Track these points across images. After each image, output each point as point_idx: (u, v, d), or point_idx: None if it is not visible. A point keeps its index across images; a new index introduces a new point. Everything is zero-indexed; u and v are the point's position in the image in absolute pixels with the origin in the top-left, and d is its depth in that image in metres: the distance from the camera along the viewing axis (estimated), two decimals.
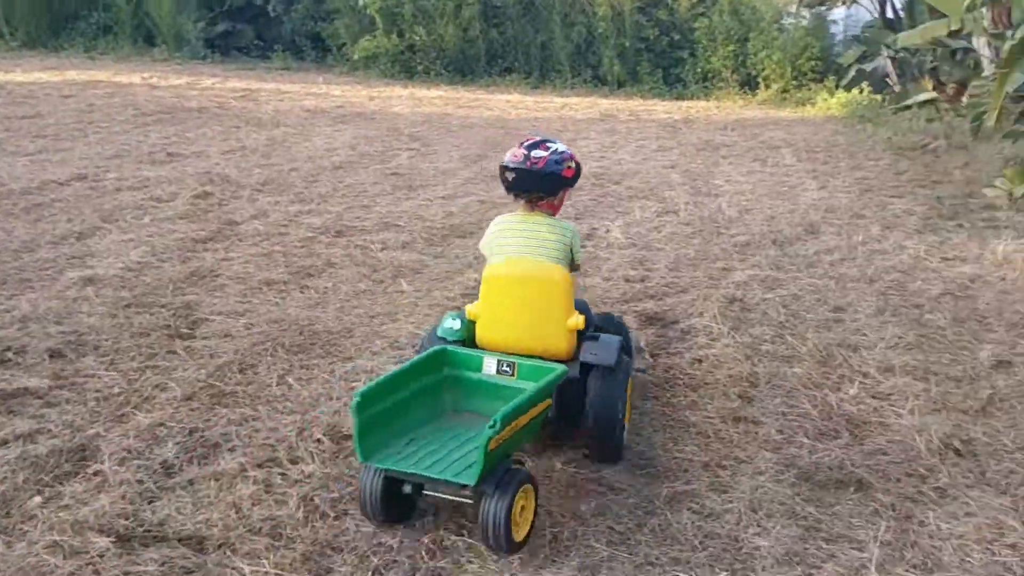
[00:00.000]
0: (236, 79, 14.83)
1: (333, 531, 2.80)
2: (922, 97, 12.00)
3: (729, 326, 4.54)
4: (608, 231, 6.43)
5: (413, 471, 2.73)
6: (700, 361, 4.15)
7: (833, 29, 15.64)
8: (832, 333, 4.54)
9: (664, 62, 15.97)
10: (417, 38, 16.25)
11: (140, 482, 2.98)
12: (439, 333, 3.36)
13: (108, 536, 2.67)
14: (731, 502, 3.00)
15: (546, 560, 2.70)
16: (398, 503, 2.82)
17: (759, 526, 2.88)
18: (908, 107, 11.96)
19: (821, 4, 14.51)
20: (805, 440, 3.45)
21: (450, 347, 3.25)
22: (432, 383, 3.12)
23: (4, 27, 18.15)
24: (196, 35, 17.50)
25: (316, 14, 17.71)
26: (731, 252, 5.94)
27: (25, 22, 18.08)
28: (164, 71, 15.29)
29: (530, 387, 2.91)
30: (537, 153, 3.32)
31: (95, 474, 3.02)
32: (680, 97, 15.10)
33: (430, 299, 4.98)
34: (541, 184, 3.35)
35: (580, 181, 3.65)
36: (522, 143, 3.37)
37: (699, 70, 15.50)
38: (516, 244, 3.36)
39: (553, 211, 3.44)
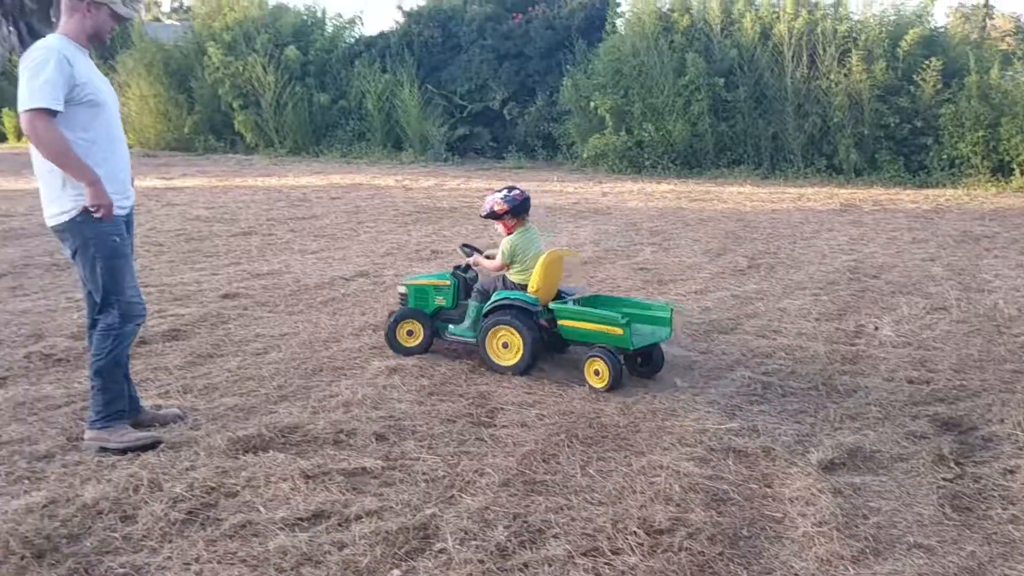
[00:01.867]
0: (477, 179, 15.79)
1: None
2: None
3: None
4: (877, 328, 6.33)
5: (652, 341, 5.34)
6: (1012, 472, 4.01)
7: None
8: None
9: (905, 149, 15.55)
10: (646, 134, 16.71)
11: (481, 562, 3.25)
12: (531, 302, 5.45)
13: None
14: None
15: None
16: None
17: None
18: None
19: None
20: None
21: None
22: None
23: (275, 136, 20.27)
24: (439, 139, 18.83)
25: (548, 116, 18.61)
26: (1019, 354, 5.69)
27: (292, 132, 20.14)
28: (413, 173, 16.53)
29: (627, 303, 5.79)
30: (517, 191, 5.70)
31: (440, 551, 3.33)
32: (924, 185, 14.61)
33: (706, 396, 5.09)
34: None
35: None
36: (500, 191, 5.73)
37: (944, 157, 14.96)
38: (540, 244, 5.72)
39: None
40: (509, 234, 5.71)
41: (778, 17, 16.26)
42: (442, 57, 19.88)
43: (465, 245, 6.11)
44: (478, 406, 4.86)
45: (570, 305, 5.49)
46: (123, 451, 4.23)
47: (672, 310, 5.47)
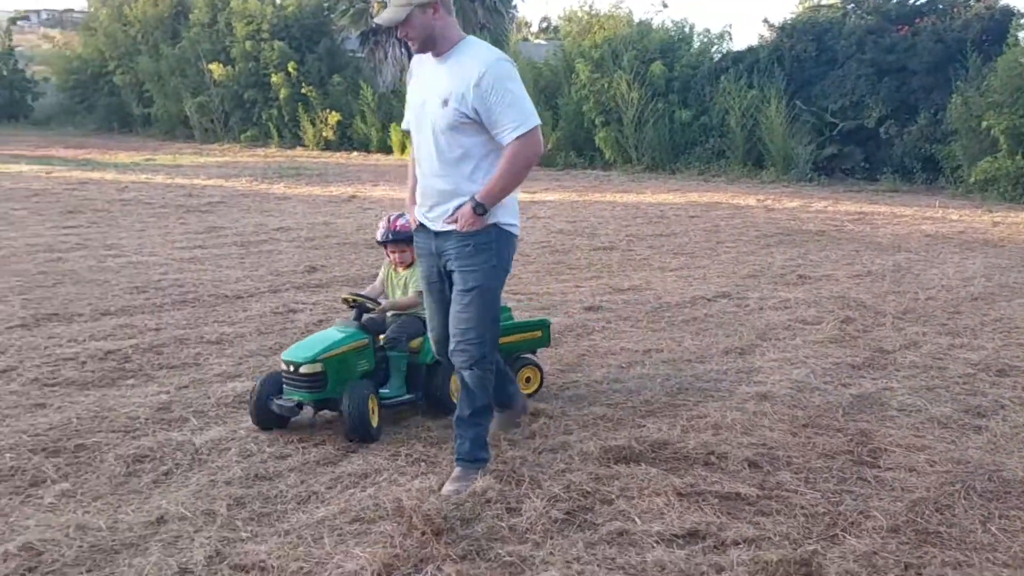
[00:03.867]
0: (847, 202, 14.97)
1: None
2: None
3: None
4: None
5: None
6: None
7: None
8: None
9: None
10: None
11: None
12: None
13: None
14: None
15: None
16: None
17: None
18: None
19: None
20: None
21: None
22: None
23: (634, 153, 20.70)
24: (805, 158, 18.10)
25: (931, 136, 17.19)
26: None
27: (651, 148, 20.43)
28: (775, 193, 16.04)
29: None
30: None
31: None
32: None
33: None
34: None
35: None
36: (392, 214, 5.06)
37: None
38: None
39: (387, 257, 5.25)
40: (411, 264, 4.98)
41: None
42: (814, 72, 19.06)
43: (355, 296, 5.10)
44: (859, 444, 4.57)
45: None
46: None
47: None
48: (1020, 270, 9.31)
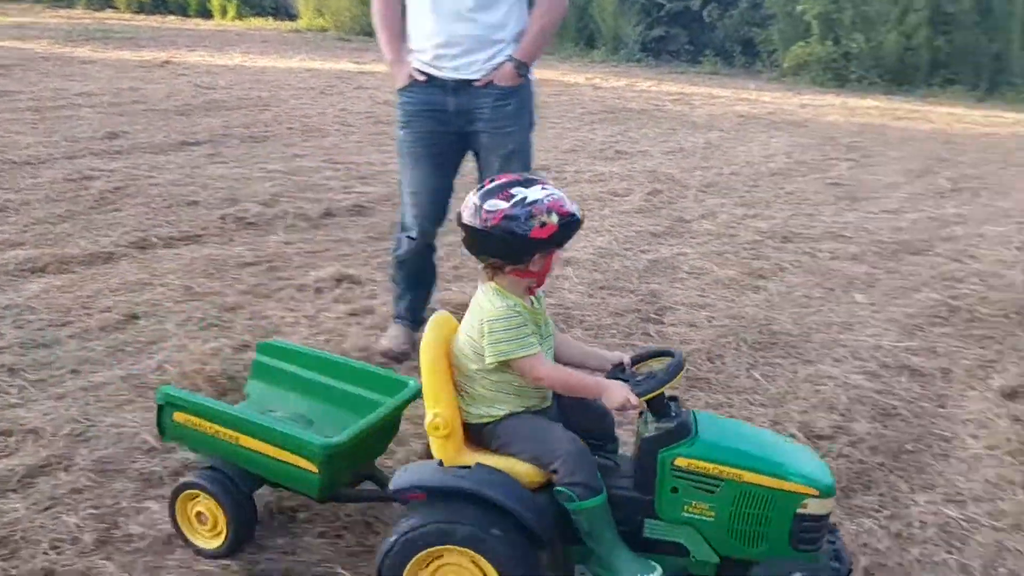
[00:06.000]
0: (670, 83, 15.31)
1: None
2: None
3: None
4: None
5: None
6: None
7: None
8: None
9: None
10: (854, 45, 15.62)
11: None
12: None
13: None
14: None
15: None
16: None
17: None
18: None
19: None
20: None
21: None
22: None
23: None
24: (634, 39, 18.30)
25: (751, 20, 17.69)
26: None
27: None
28: (604, 72, 16.21)
29: None
30: (492, 204, 2.33)
31: None
32: None
33: (886, 313, 4.87)
34: (497, 247, 2.36)
35: None
36: (480, 187, 2.39)
37: None
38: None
39: (522, 277, 2.41)
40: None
41: None
42: None
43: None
44: (648, 303, 4.83)
45: None
46: None
47: None
48: (819, 148, 9.87)
